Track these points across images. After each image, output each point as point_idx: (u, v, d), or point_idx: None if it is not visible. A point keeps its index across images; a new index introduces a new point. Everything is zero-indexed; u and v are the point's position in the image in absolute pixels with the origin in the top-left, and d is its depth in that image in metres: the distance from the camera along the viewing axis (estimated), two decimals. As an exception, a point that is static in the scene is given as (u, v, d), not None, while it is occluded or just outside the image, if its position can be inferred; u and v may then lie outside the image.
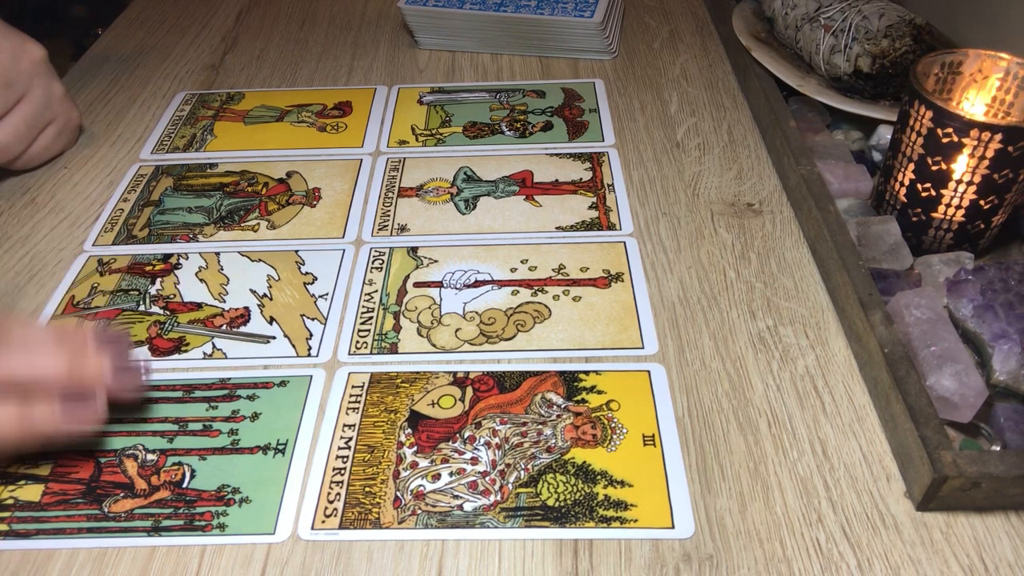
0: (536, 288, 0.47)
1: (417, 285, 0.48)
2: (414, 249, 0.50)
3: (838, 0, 0.59)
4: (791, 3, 0.62)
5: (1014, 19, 0.59)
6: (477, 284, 0.48)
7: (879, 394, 0.39)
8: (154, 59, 0.73)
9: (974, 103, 0.47)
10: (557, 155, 0.58)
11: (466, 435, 0.39)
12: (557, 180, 0.56)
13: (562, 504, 0.36)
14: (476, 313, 0.46)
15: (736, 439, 0.39)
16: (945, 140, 0.43)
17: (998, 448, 0.37)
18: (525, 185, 0.55)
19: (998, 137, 0.41)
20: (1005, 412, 0.38)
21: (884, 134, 0.54)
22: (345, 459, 0.38)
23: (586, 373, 0.42)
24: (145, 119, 0.64)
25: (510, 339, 0.44)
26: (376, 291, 0.47)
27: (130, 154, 0.60)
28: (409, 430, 0.39)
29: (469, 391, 0.41)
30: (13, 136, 0.54)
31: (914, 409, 0.36)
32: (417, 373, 0.42)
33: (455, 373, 0.42)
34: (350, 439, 0.39)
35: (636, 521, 0.35)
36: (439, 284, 0.48)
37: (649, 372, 0.42)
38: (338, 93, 0.66)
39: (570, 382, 0.41)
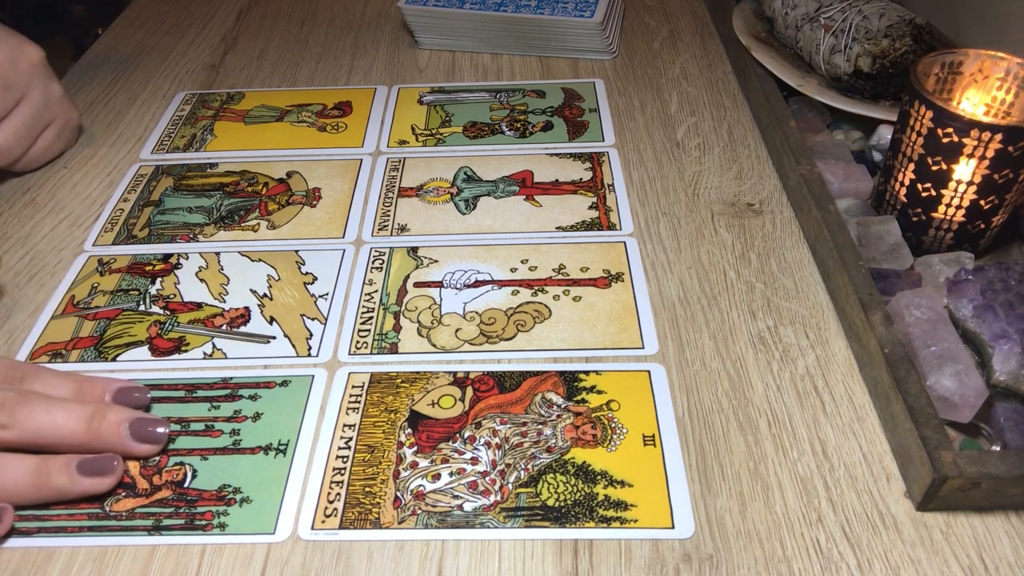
0: (536, 288, 0.47)
1: (417, 285, 0.48)
2: (414, 249, 0.50)
3: (838, 0, 0.59)
4: (791, 3, 0.62)
5: (1014, 19, 0.59)
6: (477, 284, 0.48)
7: (879, 394, 0.39)
8: (154, 59, 0.73)
9: (974, 103, 0.47)
10: (557, 155, 0.58)
11: (466, 435, 0.39)
12: (557, 180, 0.56)
13: (562, 504, 0.36)
14: (476, 313, 0.46)
15: (736, 439, 0.39)
16: (945, 140, 0.43)
17: (998, 448, 0.37)
18: (525, 185, 0.55)
19: (998, 137, 0.41)
20: (1005, 412, 0.38)
21: (884, 134, 0.54)
22: (345, 459, 0.38)
23: (586, 373, 0.42)
24: (145, 119, 0.64)
25: (510, 339, 0.44)
26: (376, 291, 0.47)
27: (130, 154, 0.60)
28: (409, 430, 0.39)
29: (469, 391, 0.41)
30: (13, 138, 0.54)
31: (914, 409, 0.36)
32: (417, 373, 0.42)
33: (455, 373, 0.42)
34: (350, 439, 0.39)
35: (636, 521, 0.35)
36: (439, 284, 0.48)
37: (649, 372, 0.42)
38: (338, 93, 0.66)
39: (570, 382, 0.41)
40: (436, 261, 0.49)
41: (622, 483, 0.37)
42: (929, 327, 0.40)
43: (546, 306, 0.46)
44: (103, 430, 0.36)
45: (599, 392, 0.41)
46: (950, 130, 0.43)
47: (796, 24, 0.61)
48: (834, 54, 0.57)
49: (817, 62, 0.59)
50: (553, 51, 0.71)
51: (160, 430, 0.38)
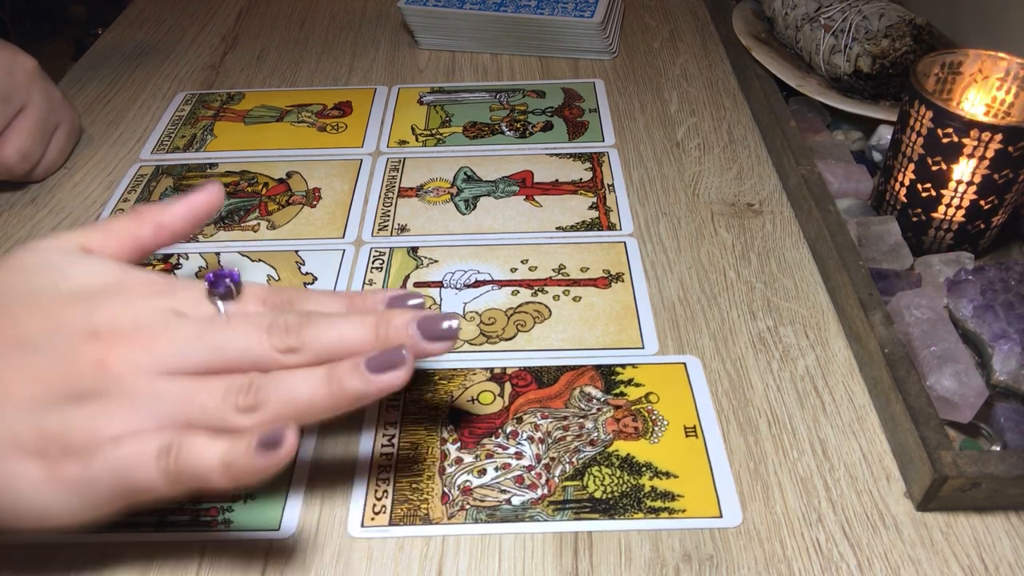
0: (536, 288, 0.47)
1: (417, 285, 0.48)
2: (414, 249, 0.50)
3: (838, 0, 0.59)
4: (791, 3, 0.62)
5: (1014, 19, 0.59)
6: (477, 284, 0.48)
7: (879, 394, 0.39)
8: (154, 59, 0.73)
9: (974, 103, 0.47)
10: (557, 155, 0.58)
11: (508, 430, 0.39)
12: (557, 180, 0.56)
13: (610, 496, 0.36)
14: (476, 313, 0.46)
15: (736, 439, 0.39)
16: (945, 140, 0.43)
17: (998, 448, 0.37)
18: (525, 185, 0.55)
19: (998, 137, 0.41)
20: (1005, 412, 0.38)
21: (884, 134, 0.54)
22: (390, 456, 0.38)
23: (623, 366, 0.42)
24: (145, 119, 0.64)
25: (510, 339, 0.44)
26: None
27: (130, 154, 0.60)
28: (451, 426, 0.39)
29: (508, 387, 0.41)
30: (31, 140, 0.54)
31: (914, 409, 0.36)
32: (454, 370, 0.42)
33: (492, 369, 0.42)
34: (392, 436, 0.39)
35: (684, 511, 0.35)
36: (439, 284, 0.48)
37: (685, 364, 0.42)
38: (338, 93, 0.66)
39: (607, 375, 0.41)
40: (436, 261, 0.49)
41: (667, 474, 0.37)
42: (929, 327, 0.40)
43: (546, 306, 0.46)
44: (391, 335, 0.32)
45: (637, 385, 0.41)
46: (950, 130, 0.43)
47: (796, 24, 0.61)
48: (834, 54, 0.57)
49: (817, 62, 0.59)
50: (553, 51, 0.71)
51: (450, 324, 0.33)
